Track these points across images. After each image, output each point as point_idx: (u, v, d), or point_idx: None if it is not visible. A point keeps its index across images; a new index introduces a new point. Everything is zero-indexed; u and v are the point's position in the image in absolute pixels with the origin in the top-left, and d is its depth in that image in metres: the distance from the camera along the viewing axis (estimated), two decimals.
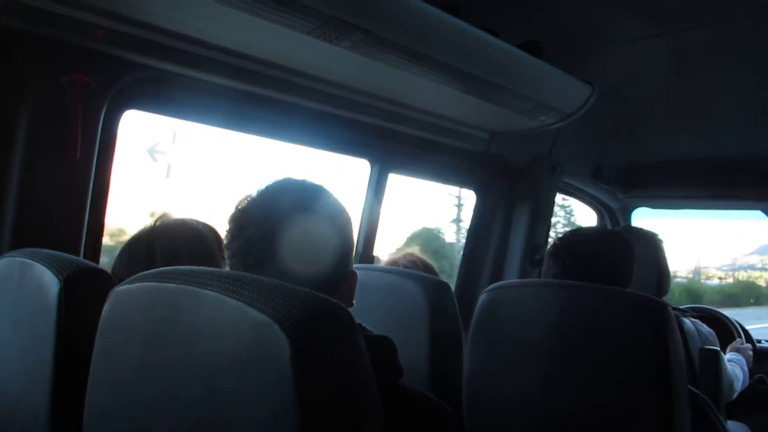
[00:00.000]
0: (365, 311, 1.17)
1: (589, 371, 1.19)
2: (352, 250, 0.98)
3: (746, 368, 2.19)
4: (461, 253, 2.50)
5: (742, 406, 2.51)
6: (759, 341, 2.87)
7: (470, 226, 2.47)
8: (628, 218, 3.13)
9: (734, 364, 2.11)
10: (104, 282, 0.94)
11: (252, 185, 0.95)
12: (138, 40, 1.34)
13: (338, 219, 0.94)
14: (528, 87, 1.83)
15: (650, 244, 1.95)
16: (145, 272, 0.78)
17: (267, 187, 0.93)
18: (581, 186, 2.84)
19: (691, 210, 3.16)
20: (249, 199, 0.92)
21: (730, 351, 2.26)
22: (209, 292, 0.67)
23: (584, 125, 2.21)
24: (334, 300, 0.64)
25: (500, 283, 1.40)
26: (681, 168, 2.71)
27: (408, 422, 0.82)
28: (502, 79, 1.75)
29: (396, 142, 2.02)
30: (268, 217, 0.88)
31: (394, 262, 1.76)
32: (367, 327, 0.95)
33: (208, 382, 0.66)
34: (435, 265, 1.77)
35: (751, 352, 2.36)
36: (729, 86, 2.05)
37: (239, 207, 0.92)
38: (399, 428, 0.72)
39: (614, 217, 3.09)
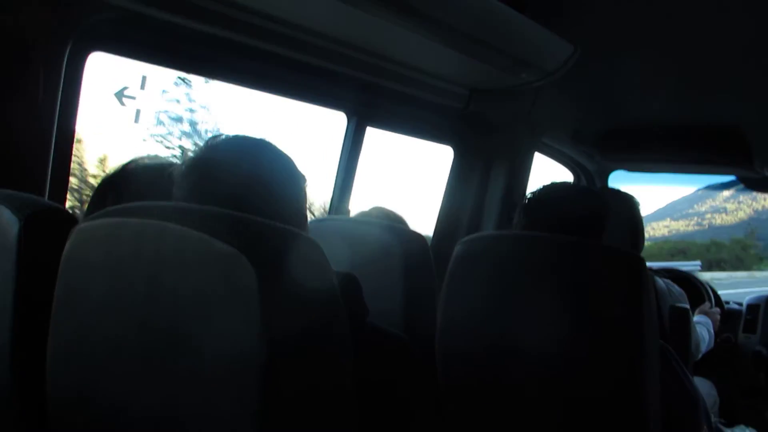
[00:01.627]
0: (339, 262, 1.16)
1: (563, 321, 1.20)
2: (305, 217, 0.97)
3: (712, 331, 2.24)
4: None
5: (708, 363, 2.58)
6: (728, 302, 2.94)
7: (447, 182, 2.46)
8: (605, 181, 3.14)
9: (701, 326, 2.15)
10: (66, 221, 0.91)
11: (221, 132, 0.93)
12: None
13: (294, 179, 0.93)
14: (509, 42, 1.80)
15: (626, 203, 1.96)
16: (107, 208, 0.75)
17: (212, 142, 0.91)
18: (560, 147, 2.84)
19: (666, 175, 3.19)
20: (211, 144, 0.91)
21: (698, 313, 2.31)
22: (174, 225, 0.65)
23: (565, 86, 2.20)
24: (303, 232, 0.62)
25: (475, 234, 1.39)
26: (659, 132, 2.72)
27: (375, 356, 0.82)
28: (483, 32, 1.71)
29: (374, 96, 1.99)
30: (210, 173, 0.87)
31: (365, 216, 1.74)
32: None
33: (173, 316, 0.64)
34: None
35: (718, 316, 2.41)
36: (716, 50, 2.04)
37: (198, 154, 0.90)
38: (366, 362, 0.72)
39: (591, 180, 3.11)
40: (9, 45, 1.24)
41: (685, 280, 2.75)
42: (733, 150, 2.60)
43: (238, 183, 0.86)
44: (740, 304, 2.91)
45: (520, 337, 1.24)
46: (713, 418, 2.16)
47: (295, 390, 0.60)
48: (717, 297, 2.84)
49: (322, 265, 0.63)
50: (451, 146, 2.44)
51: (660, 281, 1.88)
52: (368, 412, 0.72)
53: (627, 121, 2.77)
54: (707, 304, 2.53)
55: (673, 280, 2.07)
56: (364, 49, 1.79)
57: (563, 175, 3.07)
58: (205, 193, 0.85)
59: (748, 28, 1.86)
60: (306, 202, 0.96)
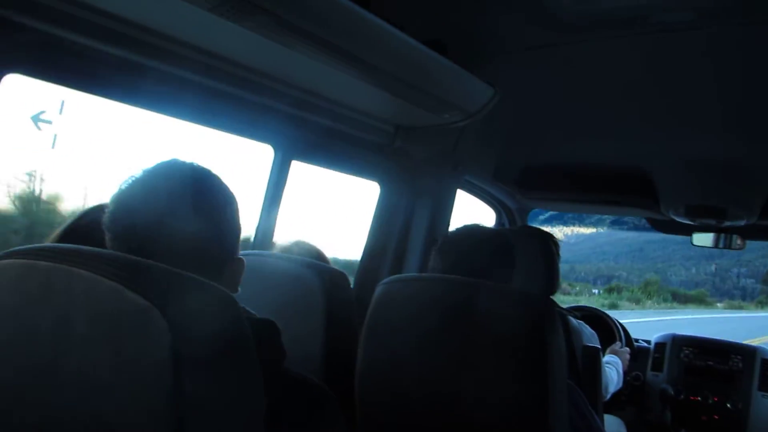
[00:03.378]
0: (259, 298, 1.14)
1: (477, 363, 1.23)
2: (239, 238, 0.96)
3: (621, 371, 2.33)
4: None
5: (618, 401, 2.69)
6: (637, 341, 3.08)
7: (373, 218, 2.48)
8: (525, 218, 3.26)
9: (611, 367, 2.24)
10: None
11: (140, 164, 0.90)
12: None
13: (225, 206, 0.92)
14: (432, 84, 1.86)
15: (542, 241, 2.05)
16: (17, 248, 0.72)
17: (153, 168, 0.89)
18: (482, 185, 2.92)
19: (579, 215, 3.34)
20: (134, 179, 0.88)
21: (609, 353, 2.40)
22: (84, 272, 0.63)
23: (487, 125, 2.28)
24: (215, 284, 0.62)
25: (395, 276, 1.41)
26: (574, 172, 2.85)
27: (289, 403, 0.82)
28: (407, 74, 1.76)
29: (301, 129, 1.99)
30: (153, 200, 0.85)
31: (286, 250, 1.73)
32: (256, 313, 0.94)
33: (81, 366, 0.62)
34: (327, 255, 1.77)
35: (628, 355, 2.52)
36: (622, 97, 2.17)
37: (123, 188, 0.88)
38: (280, 409, 0.71)
39: (512, 217, 3.21)
40: None
41: (597, 319, 2.87)
42: (641, 192, 2.75)
43: (170, 213, 0.84)
44: (648, 342, 3.05)
45: (436, 378, 1.26)
46: None
47: None
48: (627, 335, 2.97)
49: (235, 316, 0.63)
50: (378, 182, 2.47)
51: (573, 320, 1.96)
52: None
53: (543, 161, 2.88)
54: (618, 343, 2.64)
55: (585, 319, 2.16)
56: (292, 83, 1.80)
57: (487, 212, 3.17)
58: (130, 225, 0.83)
59: (656, 74, 2.00)
60: (239, 230, 0.95)
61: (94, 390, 0.61)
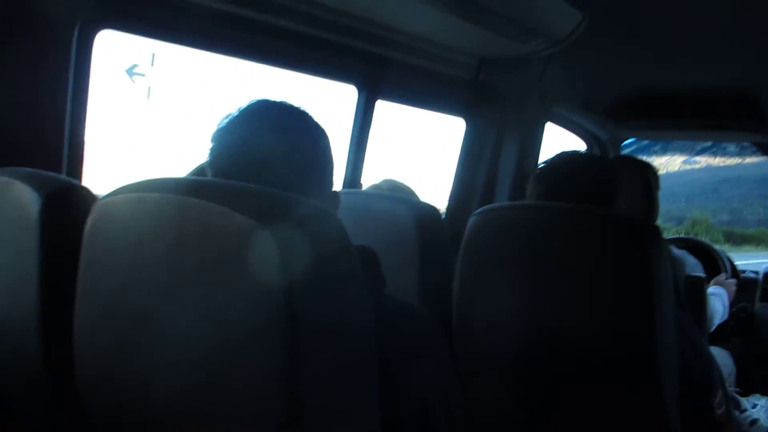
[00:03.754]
0: (353, 236, 1.16)
1: (576, 291, 1.20)
2: (332, 172, 0.97)
3: (727, 302, 2.23)
4: None
5: (724, 333, 2.59)
6: (743, 271, 2.93)
7: (459, 153, 2.45)
8: (618, 149, 3.12)
9: (715, 298, 2.15)
10: (86, 198, 0.93)
11: (232, 106, 0.93)
12: None
13: (319, 138, 0.93)
14: (517, 10, 1.78)
15: (640, 171, 1.95)
16: (127, 184, 0.76)
17: (247, 106, 0.91)
18: (571, 116, 2.81)
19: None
20: (229, 116, 0.90)
21: (714, 284, 2.30)
22: (193, 199, 0.65)
23: (575, 54, 2.17)
24: (320, 203, 0.62)
25: (488, 206, 1.39)
26: (671, 99, 2.69)
27: (394, 329, 0.82)
28: (492, 1, 1.69)
29: (384, 68, 1.98)
30: (249, 135, 0.88)
31: (377, 189, 1.74)
32: None
33: (196, 290, 0.65)
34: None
35: (734, 287, 2.40)
36: (726, 15, 2.00)
37: (220, 125, 0.90)
38: (385, 334, 0.72)
39: (604, 149, 3.09)
40: (19, 26, 1.24)
41: (701, 250, 2.74)
42: (747, 114, 2.57)
43: (274, 153, 0.86)
44: (757, 273, 2.90)
45: (538, 308, 1.25)
46: (729, 387, 2.18)
47: (318, 361, 0.60)
48: (733, 266, 2.83)
49: (342, 238, 0.63)
50: (463, 118, 2.43)
51: (676, 251, 1.88)
52: (389, 387, 0.72)
53: (638, 88, 2.73)
54: (723, 275, 2.51)
55: (689, 250, 2.07)
56: (373, 20, 1.78)
57: (576, 144, 3.06)
58: (232, 160, 0.86)
59: None
60: (333, 164, 0.96)
61: (207, 315, 0.64)
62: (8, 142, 1.24)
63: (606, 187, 1.41)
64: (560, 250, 1.24)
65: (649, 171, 1.98)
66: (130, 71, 1.59)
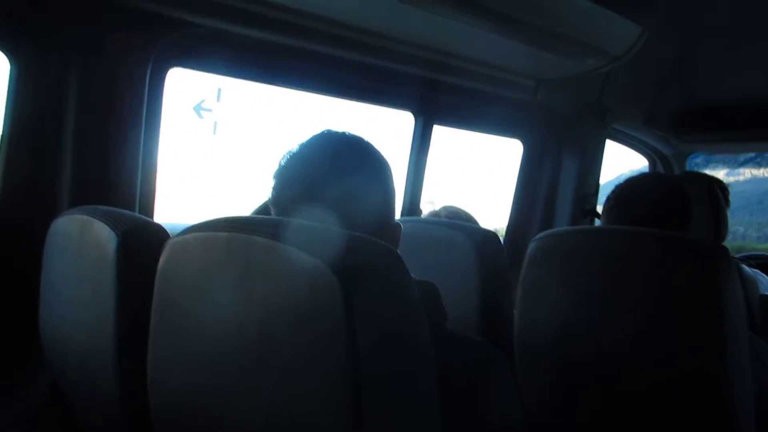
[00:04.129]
0: (413, 264, 1.17)
1: (647, 316, 1.17)
2: (395, 203, 0.97)
3: None
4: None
5: None
6: None
7: (518, 175, 2.43)
8: (682, 165, 3.03)
9: None
10: (159, 235, 0.97)
11: (295, 139, 0.95)
12: None
13: (380, 171, 0.93)
14: (574, 29, 1.77)
15: (708, 189, 1.89)
16: (197, 223, 0.79)
17: (308, 141, 0.92)
18: (633, 132, 2.75)
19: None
20: (291, 153, 0.92)
21: None
22: (260, 238, 0.68)
23: (635, 68, 2.13)
24: (382, 241, 0.64)
25: (550, 230, 1.37)
26: (735, 110, 2.59)
27: (457, 364, 0.82)
28: (547, 21, 1.68)
29: (440, 93, 1.99)
30: (311, 172, 0.88)
31: (435, 215, 1.75)
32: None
33: (263, 327, 0.67)
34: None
35: None
36: None
37: (281, 163, 0.92)
38: (448, 371, 0.72)
39: (668, 164, 3.00)
40: (96, 66, 1.32)
41: None
42: None
43: (336, 186, 0.87)
44: None
45: (603, 334, 1.22)
46: None
47: (381, 398, 0.61)
48: None
49: (404, 276, 0.64)
50: (520, 139, 2.41)
51: (747, 269, 1.81)
52: (451, 419, 0.72)
53: (700, 100, 2.65)
54: None
55: (761, 268, 1.98)
56: (428, 46, 1.79)
57: (636, 160, 2.99)
58: (294, 197, 0.87)
59: None
60: (394, 195, 0.97)
61: (275, 350, 0.66)
62: (86, 179, 1.32)
63: (676, 210, 1.38)
64: (624, 274, 1.21)
65: (716, 186, 1.91)
66: (198, 107, 1.66)
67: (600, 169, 2.50)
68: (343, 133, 0.94)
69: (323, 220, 0.85)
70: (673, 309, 1.15)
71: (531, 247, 1.34)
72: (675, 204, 1.39)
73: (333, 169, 0.88)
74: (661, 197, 1.38)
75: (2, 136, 1.29)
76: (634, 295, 1.20)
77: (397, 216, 1.64)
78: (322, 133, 0.94)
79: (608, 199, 1.45)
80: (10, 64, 1.29)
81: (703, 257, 1.15)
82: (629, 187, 1.44)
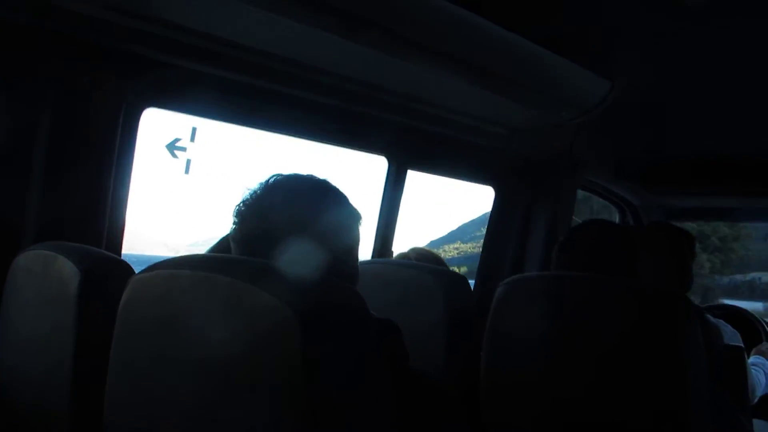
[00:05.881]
0: (381, 304, 1.17)
1: (607, 366, 1.18)
2: (356, 249, 0.99)
3: None
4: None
5: (767, 405, 2.46)
6: None
7: (489, 223, 2.46)
8: (651, 216, 3.09)
9: (757, 369, 2.06)
10: (124, 272, 0.96)
11: (256, 179, 0.96)
12: (156, 37, 1.36)
13: (336, 208, 0.95)
14: (546, 82, 1.82)
15: (673, 239, 1.93)
16: (160, 261, 0.79)
17: (266, 182, 0.94)
18: (603, 183, 2.81)
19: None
20: (251, 193, 0.94)
21: (755, 354, 2.21)
22: (222, 277, 0.68)
23: (606, 121, 2.19)
24: (343, 282, 0.65)
25: (516, 276, 1.39)
26: (708, 164, 2.66)
27: (413, 403, 0.82)
28: (520, 74, 1.74)
29: (414, 139, 2.03)
30: (267, 213, 0.91)
31: (404, 257, 1.76)
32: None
33: (223, 365, 0.67)
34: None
35: None
36: (749, 87, 2.01)
37: (241, 201, 0.94)
38: (405, 409, 0.72)
39: (637, 215, 3.06)
40: (70, 104, 1.32)
41: (739, 317, 2.65)
42: None
43: (293, 224, 0.89)
44: None
45: (564, 384, 1.23)
46: None
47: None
48: None
49: (361, 314, 0.65)
50: (492, 186, 2.45)
51: (711, 319, 1.83)
52: None
53: (673, 154, 2.72)
54: (765, 343, 2.41)
55: (725, 318, 2.00)
56: (403, 94, 1.83)
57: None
58: (260, 234, 0.89)
59: None
60: (359, 241, 0.99)
61: (234, 388, 0.66)
62: (54, 216, 1.30)
63: (627, 258, 1.41)
64: (586, 321, 1.23)
65: (682, 237, 1.95)
66: (171, 146, 1.67)
67: (571, 218, 2.54)
68: (308, 177, 0.97)
69: (281, 255, 0.86)
70: (633, 357, 1.17)
71: (498, 291, 1.35)
72: (612, 248, 1.41)
73: (286, 205, 0.90)
74: (597, 241, 1.42)
75: None
76: (594, 342, 1.21)
77: (368, 257, 1.66)
78: (288, 175, 0.96)
79: (563, 239, 1.48)
80: None
81: (665, 306, 1.17)
82: (570, 234, 1.49)
